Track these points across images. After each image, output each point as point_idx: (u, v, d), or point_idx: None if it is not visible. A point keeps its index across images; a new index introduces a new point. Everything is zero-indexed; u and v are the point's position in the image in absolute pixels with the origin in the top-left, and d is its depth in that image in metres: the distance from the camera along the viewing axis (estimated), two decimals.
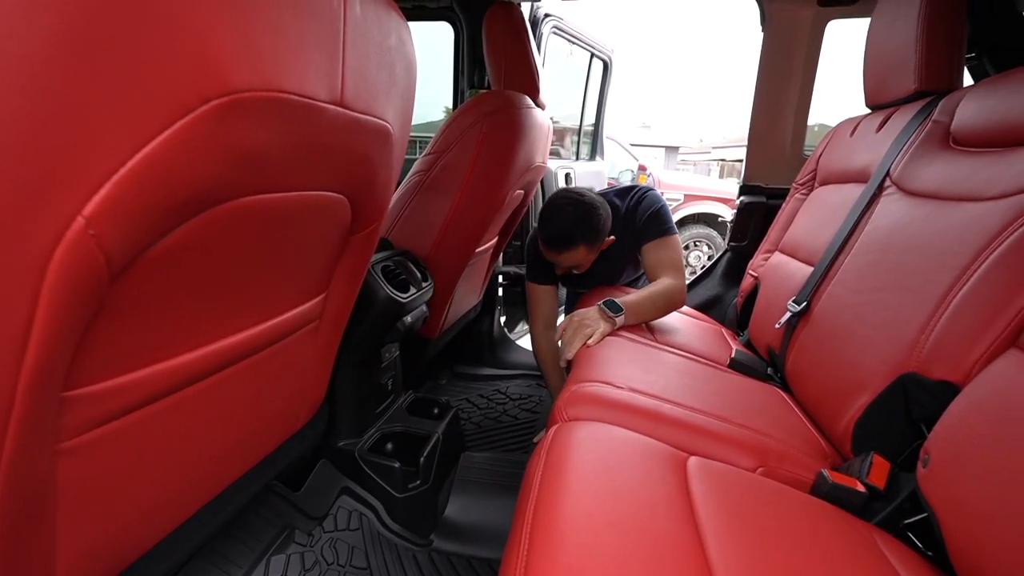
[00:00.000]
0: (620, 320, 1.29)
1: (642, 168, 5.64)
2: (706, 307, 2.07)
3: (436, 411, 1.51)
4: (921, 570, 0.65)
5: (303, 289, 0.82)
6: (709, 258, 5.29)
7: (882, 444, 0.85)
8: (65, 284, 0.38)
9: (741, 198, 2.09)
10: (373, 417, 1.35)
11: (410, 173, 1.48)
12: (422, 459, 1.26)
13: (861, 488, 0.79)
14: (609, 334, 1.27)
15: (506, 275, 2.34)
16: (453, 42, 2.16)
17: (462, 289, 1.74)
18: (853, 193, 1.22)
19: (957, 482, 0.65)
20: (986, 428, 0.63)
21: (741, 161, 2.14)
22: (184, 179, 0.43)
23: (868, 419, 0.87)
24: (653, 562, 0.56)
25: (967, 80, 1.20)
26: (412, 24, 0.76)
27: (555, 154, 3.23)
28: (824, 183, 1.49)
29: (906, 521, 0.76)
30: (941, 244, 0.86)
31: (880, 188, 1.13)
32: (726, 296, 2.08)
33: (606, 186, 2.38)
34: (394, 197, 1.46)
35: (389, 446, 1.32)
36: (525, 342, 2.38)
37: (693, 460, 0.79)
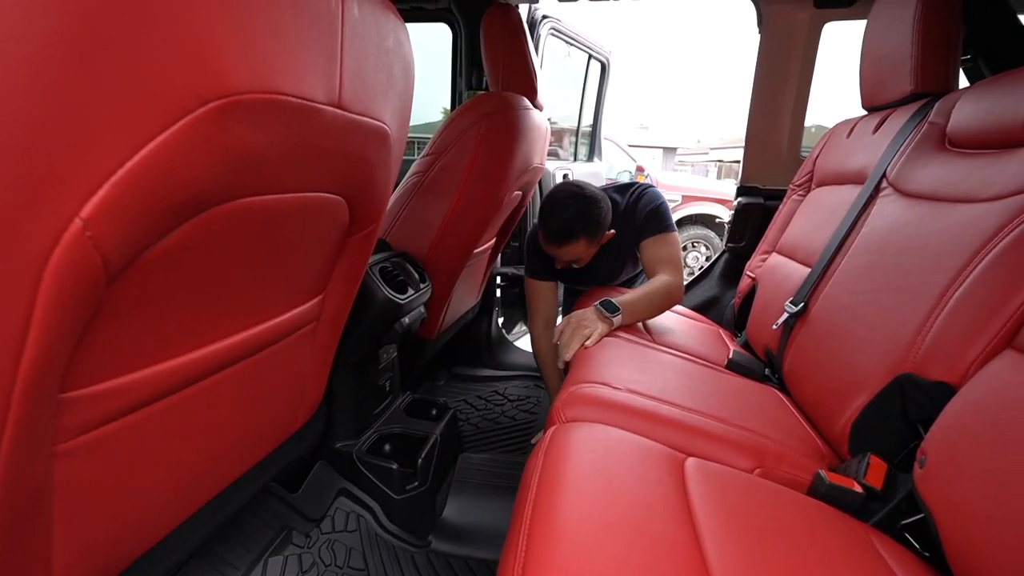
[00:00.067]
0: (617, 320, 1.29)
1: (640, 169, 5.65)
2: (704, 308, 2.07)
3: (434, 412, 1.51)
4: (918, 571, 0.65)
5: (301, 290, 0.82)
6: (707, 259, 5.30)
7: (879, 445, 0.85)
8: (62, 286, 0.38)
9: (738, 199, 2.10)
10: (371, 418, 1.35)
11: (408, 174, 1.48)
12: (420, 460, 1.26)
13: (858, 489, 0.79)
14: (607, 335, 1.27)
15: (504, 276, 2.34)
16: (451, 43, 2.17)
17: (460, 290, 1.74)
18: (850, 194, 1.23)
19: (954, 483, 0.65)
20: (982, 429, 0.64)
21: (739, 162, 2.14)
22: (182, 180, 0.43)
23: (865, 420, 0.87)
24: (651, 563, 0.56)
25: (963, 82, 1.20)
26: (410, 25, 0.76)
27: (554, 155, 3.23)
28: (821, 184, 1.50)
29: (903, 522, 0.76)
30: (937, 245, 0.86)
31: (877, 189, 1.13)
32: (724, 297, 2.09)
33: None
34: (392, 198, 1.46)
35: (387, 447, 1.32)
36: (523, 343, 2.38)
37: (691, 461, 0.79)
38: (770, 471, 0.85)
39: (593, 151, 3.37)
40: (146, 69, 0.37)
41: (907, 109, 1.16)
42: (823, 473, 0.82)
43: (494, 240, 1.93)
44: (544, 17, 2.34)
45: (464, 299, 1.91)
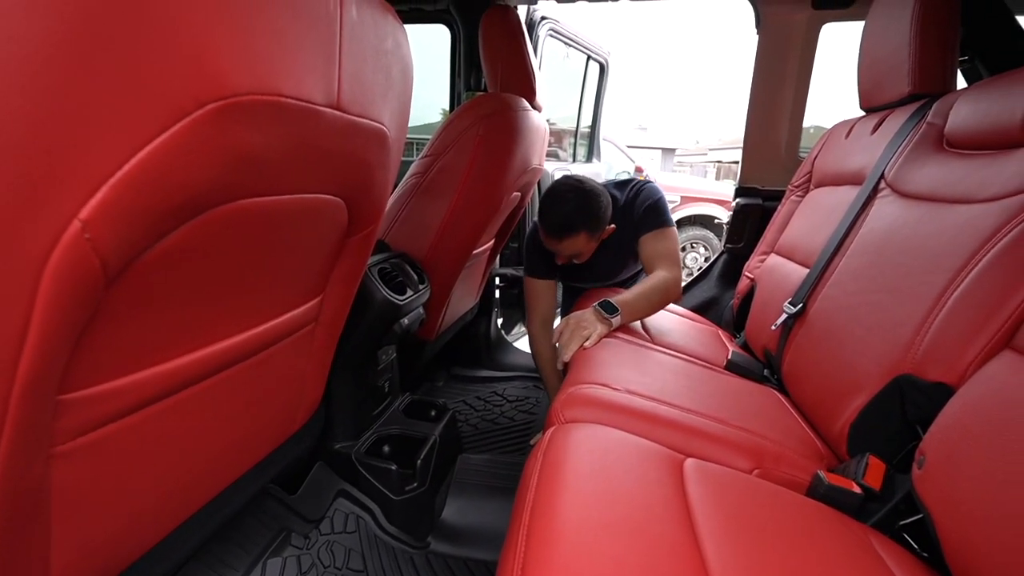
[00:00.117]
0: (616, 321, 1.29)
1: (639, 170, 5.66)
2: (703, 309, 2.07)
3: (433, 413, 1.51)
4: (916, 571, 0.66)
5: (300, 292, 0.82)
6: (706, 259, 5.31)
7: (878, 445, 0.85)
8: (61, 287, 0.38)
9: (737, 200, 2.10)
10: (370, 419, 1.35)
11: (407, 175, 1.48)
12: (419, 461, 1.26)
13: (857, 489, 0.79)
14: (606, 335, 1.27)
15: (503, 277, 2.34)
16: (450, 45, 2.17)
17: (459, 291, 1.74)
18: (848, 195, 1.23)
19: (952, 483, 0.65)
20: (981, 429, 0.64)
21: (737, 163, 2.15)
22: (181, 182, 0.43)
23: (864, 420, 0.87)
24: (649, 564, 0.56)
25: (961, 83, 1.21)
26: (409, 27, 0.76)
27: (554, 155, 3.23)
28: (819, 185, 1.50)
29: (901, 522, 0.76)
30: (935, 246, 0.86)
31: (875, 190, 1.13)
32: (723, 298, 2.09)
33: None
34: (391, 199, 1.47)
35: (386, 448, 1.32)
36: (522, 344, 2.38)
37: (689, 462, 0.79)
38: (769, 472, 0.86)
39: (592, 152, 3.37)
40: (145, 71, 0.37)
41: (905, 110, 1.17)
42: (822, 474, 0.82)
43: (493, 241, 1.93)
44: (543, 18, 2.34)
45: (463, 300, 1.91)
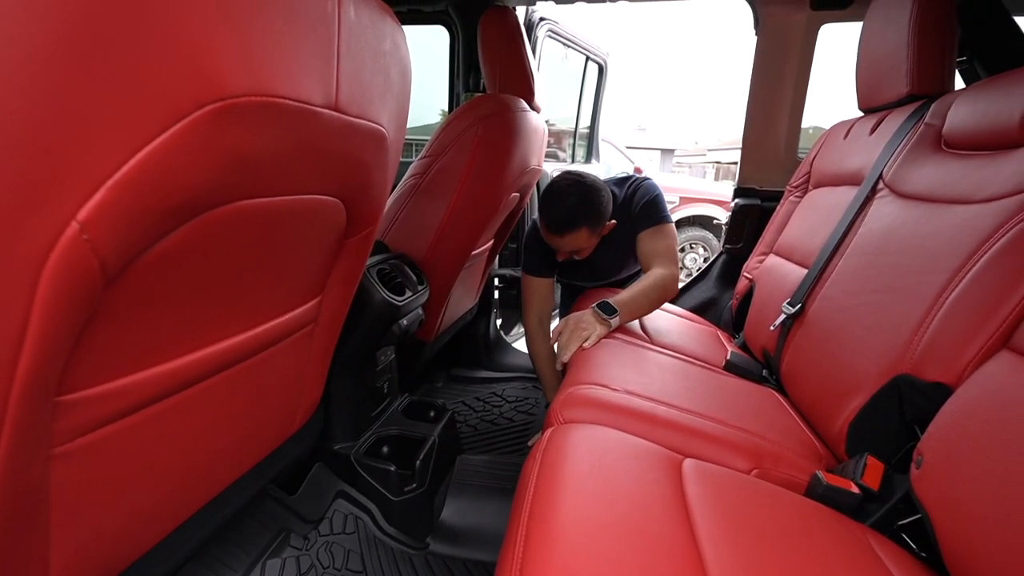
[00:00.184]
0: (615, 321, 1.29)
1: (638, 171, 5.65)
2: (702, 309, 2.07)
3: (432, 414, 1.51)
4: (915, 571, 0.66)
5: (298, 293, 0.82)
6: (705, 260, 5.31)
7: (876, 445, 0.85)
8: (59, 289, 0.38)
9: (736, 201, 2.10)
10: (369, 420, 1.35)
11: (406, 176, 1.48)
12: (418, 462, 1.26)
13: (855, 490, 0.79)
14: (605, 336, 1.27)
15: (502, 278, 2.34)
16: (449, 46, 2.17)
17: (458, 292, 1.74)
18: (847, 196, 1.23)
19: (950, 483, 0.65)
20: (979, 429, 0.64)
21: (736, 164, 2.15)
22: (179, 183, 0.43)
23: (862, 421, 0.87)
24: (648, 564, 0.56)
25: (959, 83, 1.21)
26: (408, 28, 0.76)
27: (553, 156, 3.24)
28: (818, 186, 1.50)
29: (900, 522, 0.76)
30: (933, 246, 0.86)
31: (873, 190, 1.14)
32: (722, 298, 2.09)
33: None
34: (390, 200, 1.47)
35: (385, 449, 1.32)
36: (521, 345, 2.38)
37: (688, 462, 0.79)
38: (767, 472, 0.86)
39: (591, 152, 3.38)
40: (144, 72, 0.37)
41: (903, 110, 1.17)
42: (820, 474, 0.82)
43: (492, 242, 1.93)
44: (541, 19, 2.35)
45: (462, 301, 1.91)
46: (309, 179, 0.64)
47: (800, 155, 2.00)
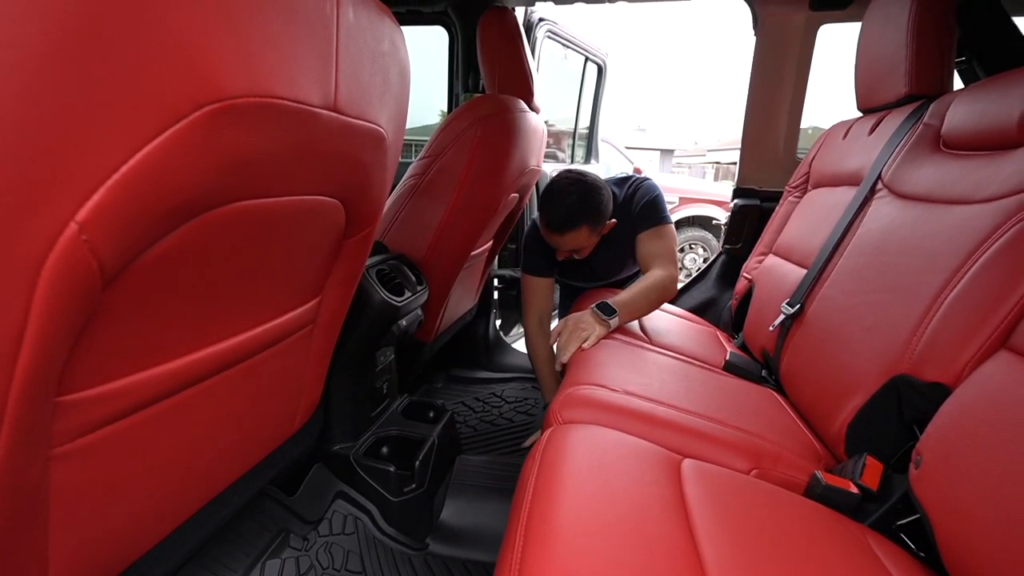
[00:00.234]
0: (615, 322, 1.30)
1: (637, 171, 5.66)
2: (701, 309, 2.07)
3: (431, 415, 1.51)
4: (913, 571, 0.66)
5: (298, 293, 0.82)
6: (704, 260, 5.31)
7: (875, 445, 0.85)
8: (58, 290, 0.38)
9: (735, 201, 2.10)
10: (368, 421, 1.35)
11: (405, 177, 1.48)
12: (417, 463, 1.26)
13: (854, 490, 0.80)
14: (604, 336, 1.27)
15: (502, 278, 2.34)
16: (448, 46, 2.17)
17: (457, 293, 1.74)
18: (846, 196, 1.23)
19: (949, 483, 0.65)
20: (977, 429, 0.64)
21: (736, 164, 2.15)
22: (177, 185, 0.43)
23: (861, 421, 0.87)
24: (647, 564, 0.56)
25: (957, 84, 1.21)
26: (407, 28, 0.76)
27: (553, 157, 3.24)
28: (817, 186, 1.50)
29: (899, 522, 0.76)
30: (932, 246, 0.87)
31: (872, 191, 1.14)
32: (721, 299, 2.09)
33: None
34: (389, 201, 1.47)
35: (384, 450, 1.32)
36: (521, 345, 2.38)
37: (687, 462, 0.79)
38: (766, 472, 0.86)
39: (590, 153, 3.38)
40: (141, 73, 0.38)
41: (902, 111, 1.17)
42: (819, 474, 0.82)
43: (491, 242, 1.93)
44: (540, 20, 2.35)
45: (461, 301, 1.91)
46: (308, 180, 0.64)
47: (799, 155, 2.00)
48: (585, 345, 1.22)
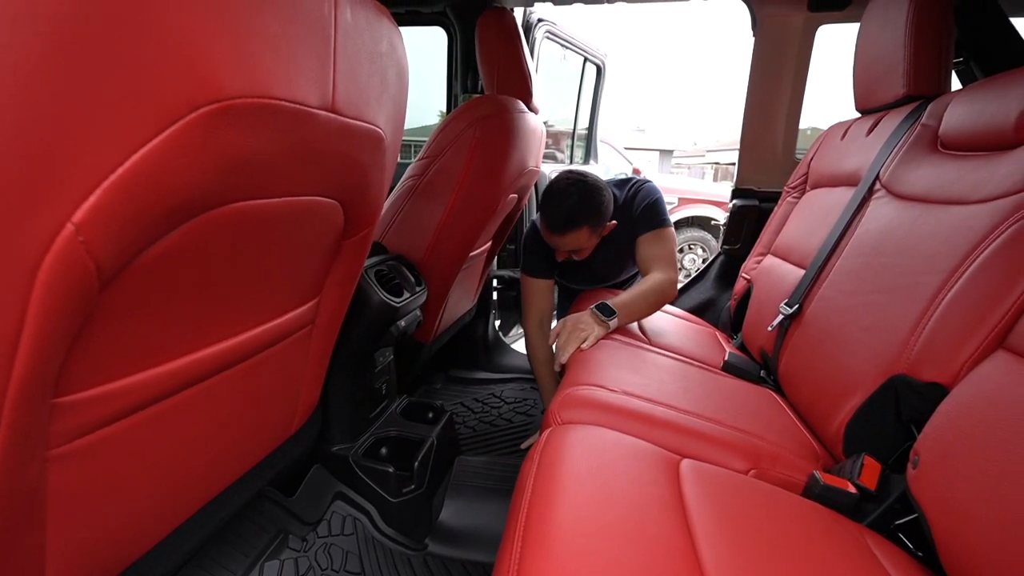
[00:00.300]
0: (613, 323, 1.30)
1: (636, 172, 5.67)
2: (700, 310, 2.07)
3: (431, 415, 1.51)
4: (911, 570, 0.66)
5: (296, 294, 0.82)
6: (703, 261, 5.32)
7: (873, 445, 0.85)
8: (55, 291, 0.38)
9: (734, 201, 2.10)
10: (367, 422, 1.35)
11: (403, 178, 1.48)
12: (416, 463, 1.26)
13: (852, 489, 0.80)
14: (603, 337, 1.27)
15: (501, 279, 2.34)
16: (447, 47, 2.17)
17: (456, 293, 1.74)
18: (844, 196, 1.23)
19: (946, 483, 0.65)
20: (974, 429, 0.64)
21: (735, 164, 2.15)
22: (174, 186, 0.43)
23: (859, 421, 0.87)
24: (645, 565, 0.56)
25: (955, 84, 1.21)
26: (406, 28, 0.76)
27: (551, 157, 3.24)
28: (815, 186, 1.50)
29: (897, 522, 0.76)
30: (930, 247, 0.87)
31: (870, 191, 1.14)
32: (720, 299, 2.09)
33: None
34: (388, 202, 1.47)
35: (383, 451, 1.32)
36: (520, 346, 2.38)
37: (686, 463, 0.79)
38: (765, 472, 0.86)
39: (589, 154, 3.38)
40: (138, 75, 0.38)
41: (900, 111, 1.17)
42: (817, 474, 0.82)
43: (490, 243, 1.93)
44: (539, 20, 2.35)
45: (461, 302, 1.91)
46: (306, 180, 0.64)
47: (798, 156, 2.00)
48: (584, 346, 1.22)
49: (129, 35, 0.37)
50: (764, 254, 1.64)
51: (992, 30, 1.31)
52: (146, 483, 0.65)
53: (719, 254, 2.19)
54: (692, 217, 5.46)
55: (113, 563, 0.65)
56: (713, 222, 5.39)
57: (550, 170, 2.50)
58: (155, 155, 0.40)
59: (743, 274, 1.72)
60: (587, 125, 3.31)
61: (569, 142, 3.37)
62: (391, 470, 1.22)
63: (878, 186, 1.12)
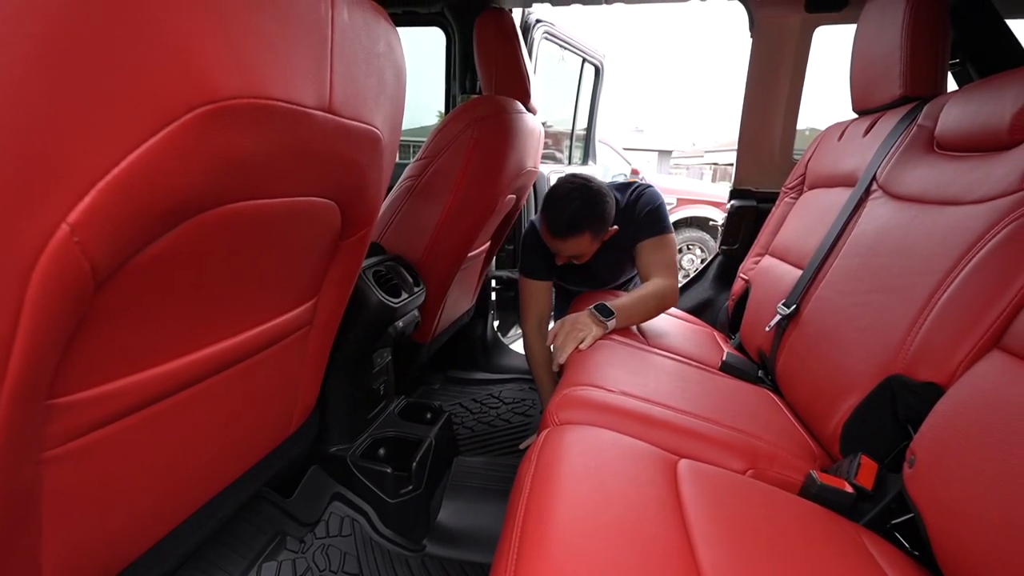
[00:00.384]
0: (612, 324, 1.30)
1: (635, 172, 5.68)
2: (698, 310, 2.08)
3: (429, 416, 1.51)
4: (907, 570, 0.66)
5: (293, 294, 0.82)
6: (702, 261, 5.33)
7: (870, 445, 0.85)
8: (50, 292, 0.38)
9: (732, 202, 2.11)
10: (365, 422, 1.35)
11: (402, 178, 1.48)
12: (414, 464, 1.26)
13: (849, 489, 0.80)
14: (601, 338, 1.27)
15: (499, 280, 2.34)
16: (445, 48, 2.17)
17: (454, 294, 1.74)
18: (841, 197, 1.23)
19: (942, 482, 0.65)
20: (970, 429, 0.64)
21: (733, 165, 2.15)
22: (170, 186, 0.43)
23: (856, 420, 0.88)
24: (643, 565, 0.56)
25: (951, 85, 1.22)
26: (404, 29, 0.76)
27: (550, 158, 3.24)
28: (813, 187, 1.51)
29: (893, 521, 0.76)
30: (926, 247, 0.87)
31: (867, 192, 1.14)
32: (718, 299, 2.09)
33: None
34: (386, 202, 1.47)
35: (381, 451, 1.32)
36: (518, 346, 2.38)
37: (683, 463, 0.79)
38: (762, 472, 0.86)
39: (588, 154, 3.38)
40: (134, 75, 0.38)
41: (896, 112, 1.18)
42: (814, 474, 0.83)
43: (489, 244, 1.93)
44: (538, 21, 2.35)
45: (459, 303, 1.91)
46: (303, 181, 0.64)
47: (795, 156, 2.01)
48: (582, 346, 1.22)
49: (124, 35, 0.37)
50: (762, 254, 1.64)
51: (988, 31, 1.31)
52: (143, 484, 0.65)
53: (717, 254, 2.19)
54: (690, 218, 5.47)
55: (110, 564, 0.65)
56: (711, 222, 5.40)
57: (549, 171, 2.51)
58: (151, 156, 0.40)
59: (741, 274, 1.72)
60: (586, 125, 3.31)
61: (568, 142, 3.37)
62: (389, 471, 1.22)
63: (875, 187, 1.12)
